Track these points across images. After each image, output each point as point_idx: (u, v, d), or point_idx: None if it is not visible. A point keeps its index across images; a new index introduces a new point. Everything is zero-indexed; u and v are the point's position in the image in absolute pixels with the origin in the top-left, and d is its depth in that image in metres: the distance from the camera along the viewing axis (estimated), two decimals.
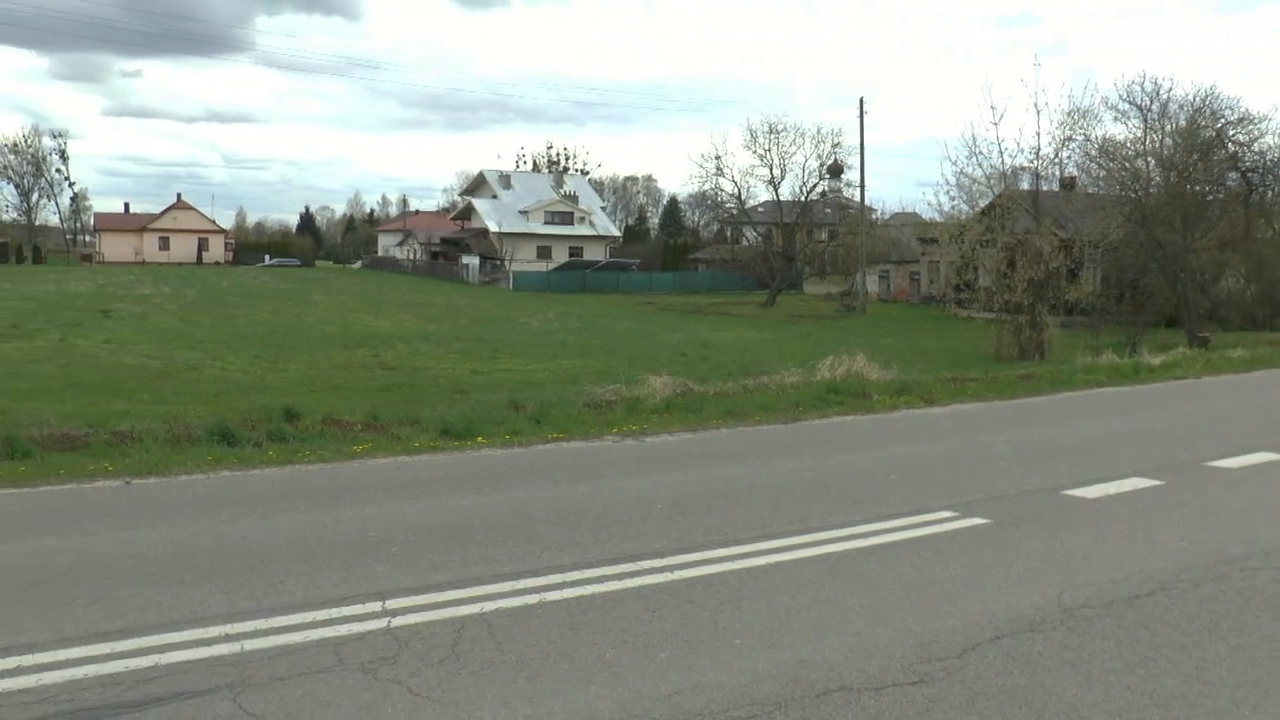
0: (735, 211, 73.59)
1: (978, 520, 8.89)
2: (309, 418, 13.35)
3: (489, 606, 6.45)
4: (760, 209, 73.90)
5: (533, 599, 6.62)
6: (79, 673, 5.40)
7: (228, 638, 5.90)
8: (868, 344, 26.32)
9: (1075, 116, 35.27)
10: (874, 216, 72.58)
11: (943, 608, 6.60)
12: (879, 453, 12.48)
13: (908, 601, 6.72)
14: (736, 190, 70.61)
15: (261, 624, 6.12)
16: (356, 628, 6.07)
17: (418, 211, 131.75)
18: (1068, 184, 38.76)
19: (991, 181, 34.86)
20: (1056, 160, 36.00)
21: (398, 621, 6.17)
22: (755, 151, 68.32)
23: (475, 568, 7.29)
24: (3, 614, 6.29)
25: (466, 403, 16.38)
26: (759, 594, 6.84)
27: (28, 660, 5.55)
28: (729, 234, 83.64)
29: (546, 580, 7.01)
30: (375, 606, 6.43)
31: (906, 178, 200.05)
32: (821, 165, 69.30)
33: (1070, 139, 35.63)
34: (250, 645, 5.78)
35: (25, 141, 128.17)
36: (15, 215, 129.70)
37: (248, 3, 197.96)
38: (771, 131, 67.89)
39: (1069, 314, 35.71)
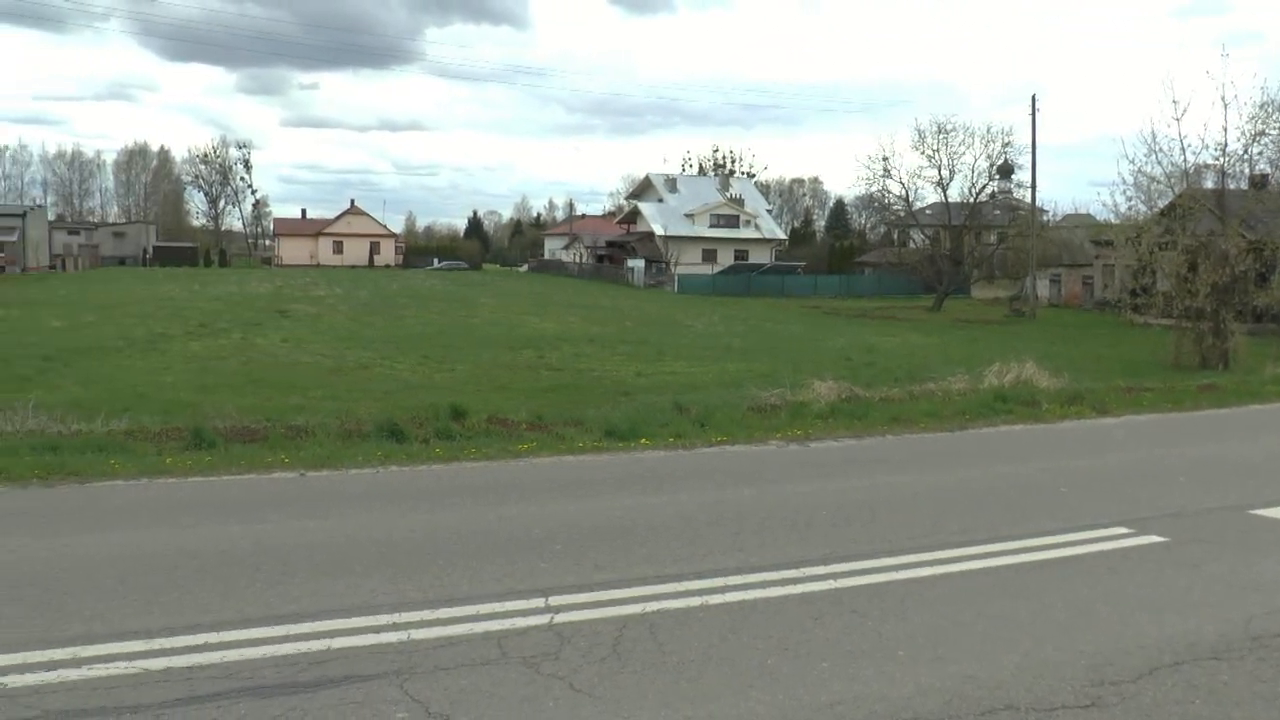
0: (902, 213, 72.15)
1: (1155, 538, 8.49)
2: (475, 416, 13.63)
3: (651, 607, 6.46)
4: (928, 211, 72.33)
5: (695, 601, 6.60)
6: (257, 652, 5.63)
7: (395, 626, 6.05)
8: (1037, 350, 25.53)
9: (1269, 109, 33.36)
10: (1045, 218, 70.26)
11: (1117, 629, 6.31)
12: (1048, 464, 12.07)
13: (1079, 620, 6.45)
14: (904, 192, 69.20)
15: (428, 614, 6.26)
16: (520, 622, 6.15)
17: (584, 215, 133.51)
18: (1258, 182, 36.59)
19: (1172, 180, 33.24)
20: (1246, 157, 34.10)
21: (560, 618, 6.23)
22: (923, 152, 66.79)
23: (638, 568, 7.31)
24: (192, 594, 6.62)
25: (631, 404, 16.47)
26: (923, 605, 6.68)
27: (213, 638, 5.82)
28: (895, 236, 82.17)
29: (709, 583, 6.98)
30: (538, 602, 6.51)
31: (1080, 177, 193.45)
32: (991, 165, 67.28)
33: (1263, 133, 33.70)
34: (417, 635, 5.92)
35: (214, 152, 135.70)
36: (204, 221, 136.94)
37: (418, 15, 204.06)
38: (940, 131, 66.33)
39: (1257, 321, 33.88)
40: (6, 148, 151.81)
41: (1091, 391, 18.04)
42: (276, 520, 8.60)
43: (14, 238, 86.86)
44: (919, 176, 68.70)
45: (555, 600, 6.55)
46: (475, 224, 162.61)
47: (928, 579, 7.25)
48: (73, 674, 5.35)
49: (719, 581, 7.02)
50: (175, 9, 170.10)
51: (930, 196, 70.64)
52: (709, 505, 9.38)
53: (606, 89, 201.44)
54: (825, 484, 10.59)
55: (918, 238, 73.97)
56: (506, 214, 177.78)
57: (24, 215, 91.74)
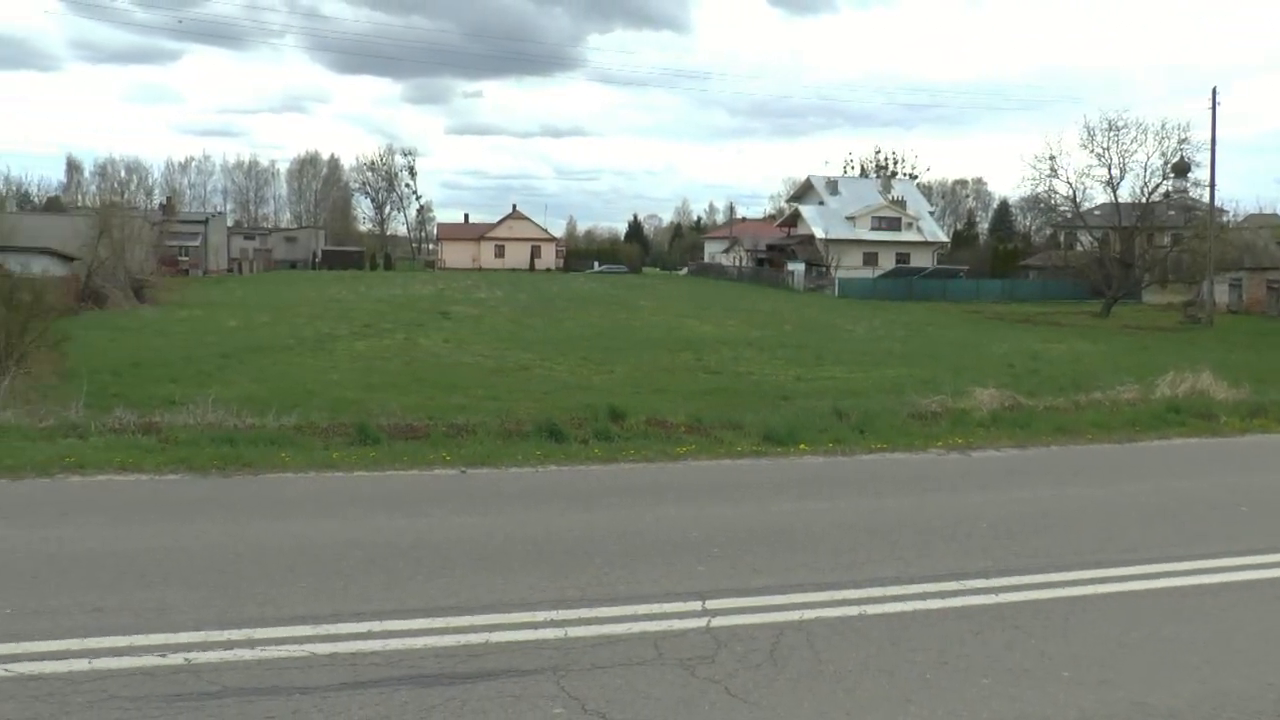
0: (1069, 215, 69.75)
1: None
2: (633, 418, 13.70)
3: (808, 614, 6.38)
4: (1096, 212, 69.75)
5: (852, 610, 6.50)
6: (418, 642, 5.77)
7: (553, 623, 6.12)
8: (1214, 359, 24.41)
9: None
10: (1225, 218, 67.13)
11: None
12: (1227, 480, 11.49)
13: (1265, 649, 6.10)
14: (1071, 192, 66.87)
15: (585, 613, 6.32)
16: (676, 624, 6.15)
17: (744, 218, 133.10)
18: None
19: None
20: None
21: (717, 622, 6.21)
22: (1092, 150, 64.40)
23: (795, 574, 7.24)
24: (357, 583, 6.82)
25: (789, 409, 16.35)
26: (1089, 625, 6.43)
27: (376, 626, 5.99)
28: (1062, 239, 79.56)
29: (867, 593, 6.87)
30: (695, 605, 6.50)
31: (1265, 175, 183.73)
32: (1166, 163, 64.39)
33: None
34: (574, 632, 5.98)
35: (381, 160, 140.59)
36: (371, 226, 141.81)
37: (581, 23, 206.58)
38: (1111, 128, 63.88)
39: None
40: (192, 159, 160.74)
41: (1276, 404, 17.12)
42: (438, 515, 8.80)
43: (197, 242, 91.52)
44: (1088, 176, 66.34)
45: (712, 604, 6.54)
46: (635, 228, 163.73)
47: (1094, 597, 6.98)
48: (247, 654, 5.59)
49: (877, 591, 6.90)
50: (346, 24, 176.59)
51: (1099, 197, 68.18)
52: (867, 513, 9.24)
53: (768, 91, 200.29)
54: (986, 495, 10.31)
55: (1085, 240, 71.37)
56: (667, 217, 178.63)
57: (206, 222, 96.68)
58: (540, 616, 6.23)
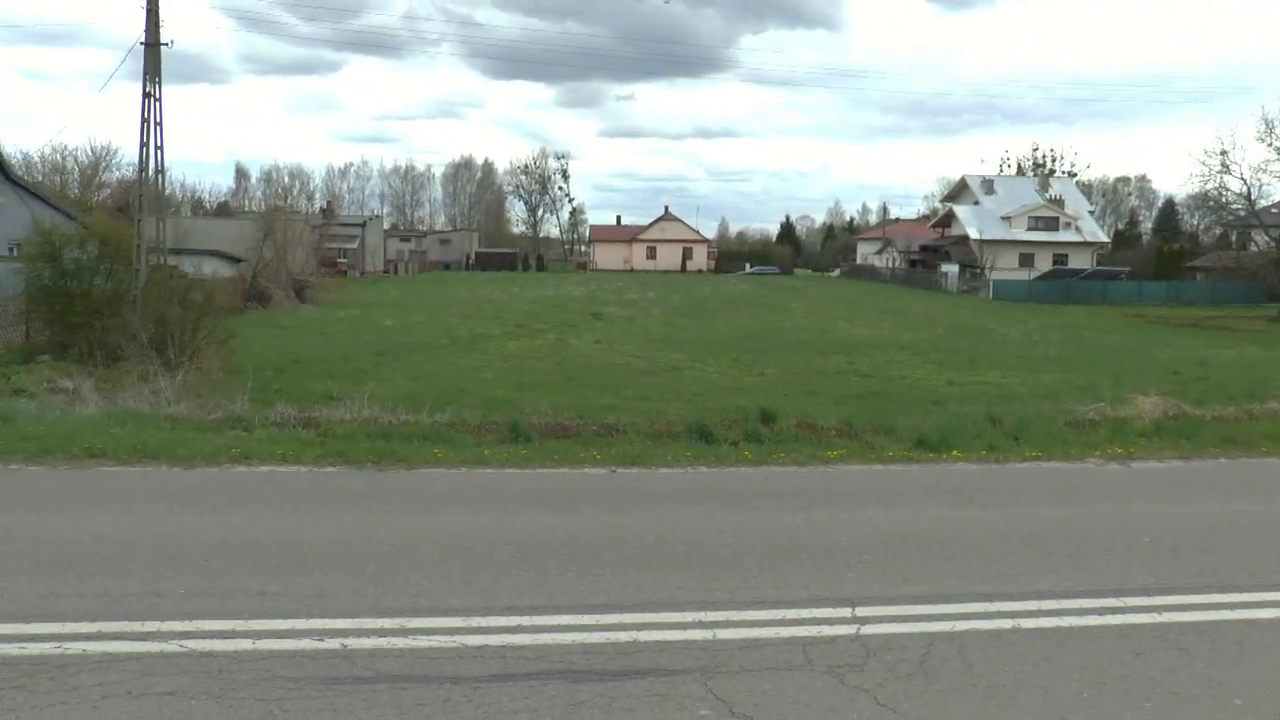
0: (1242, 213, 66.36)
1: None
2: (784, 421, 13.61)
3: (960, 625, 6.23)
4: (1274, 209, 66.20)
5: (1006, 623, 6.32)
6: (567, 638, 5.83)
7: (701, 624, 6.11)
8: None
9: None
10: None
11: None
12: None
13: None
14: (1245, 189, 63.57)
15: (733, 615, 6.29)
16: (825, 630, 6.08)
17: (897, 219, 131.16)
18: None
19: None
20: None
21: (867, 630, 6.11)
22: (1270, 144, 60.92)
23: (947, 583, 7.08)
24: (508, 577, 6.94)
25: (942, 414, 15.99)
26: (1265, 651, 6.09)
27: (526, 621, 6.09)
28: (1233, 239, 75.91)
29: (1021, 605, 6.66)
30: (845, 612, 6.41)
31: None
32: None
33: None
34: (722, 634, 5.96)
35: (534, 163, 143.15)
36: (523, 228, 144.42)
37: (734, 23, 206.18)
38: None
39: None
40: (351, 165, 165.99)
41: None
42: (588, 514, 8.88)
43: (355, 245, 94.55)
44: (1264, 171, 62.62)
45: (862, 611, 6.44)
46: (787, 229, 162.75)
47: (1270, 622, 6.62)
48: (399, 642, 5.73)
49: (1032, 604, 6.69)
50: (501, 31, 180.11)
51: (1277, 193, 64.60)
52: (1021, 522, 8.97)
53: (922, 89, 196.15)
54: (1148, 508, 9.90)
55: (1260, 240, 67.85)
56: (819, 218, 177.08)
57: (364, 225, 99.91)
58: (688, 617, 6.23)
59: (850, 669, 5.52)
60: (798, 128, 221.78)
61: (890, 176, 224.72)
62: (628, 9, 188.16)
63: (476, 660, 5.51)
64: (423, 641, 5.75)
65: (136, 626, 5.96)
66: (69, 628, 5.94)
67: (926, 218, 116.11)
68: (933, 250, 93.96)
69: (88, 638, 5.78)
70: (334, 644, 5.71)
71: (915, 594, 6.81)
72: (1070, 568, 7.57)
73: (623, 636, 5.89)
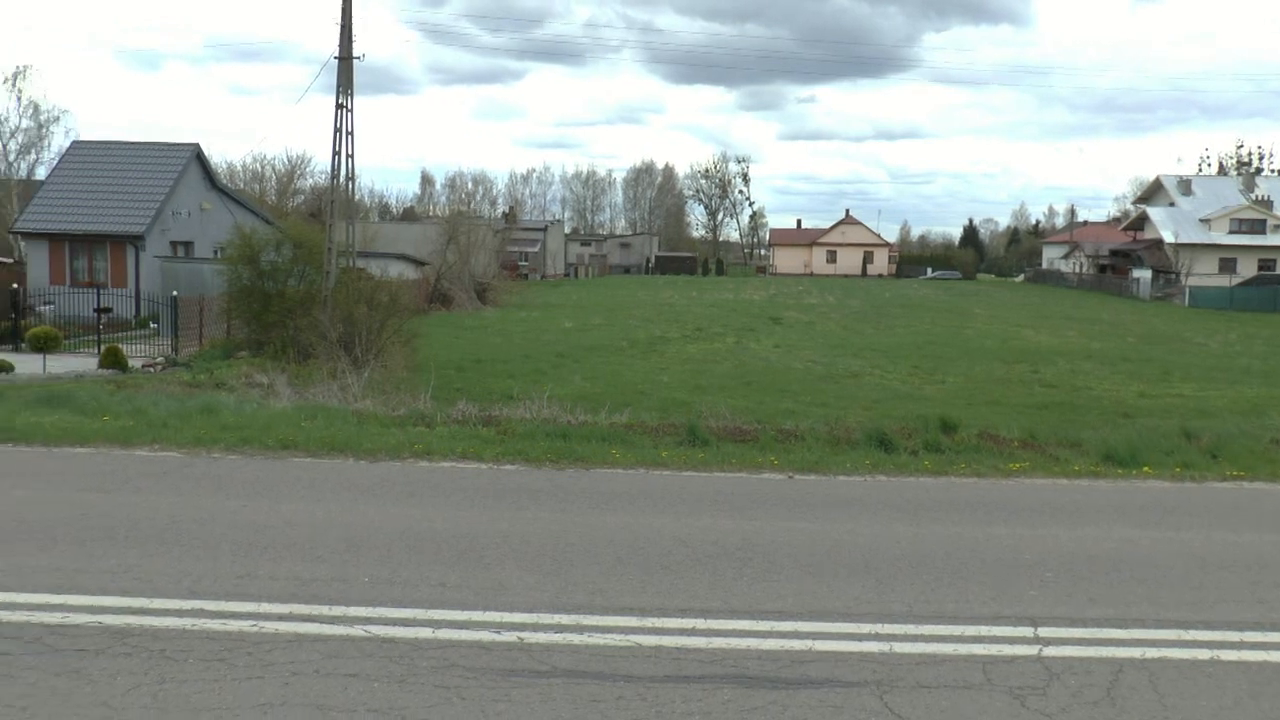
0: None
1: None
2: (965, 430, 13.29)
3: (1151, 653, 5.93)
4: None
5: (1203, 654, 5.96)
6: (742, 643, 5.80)
7: (877, 636, 5.99)
8: None
9: None
10: None
11: None
12: None
13: None
14: None
15: (910, 629, 6.15)
16: (1006, 650, 5.88)
17: (1085, 222, 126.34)
18: None
19: None
20: None
21: (1050, 651, 5.88)
22: None
23: (1137, 607, 6.75)
24: (683, 579, 6.97)
25: (1132, 428, 15.35)
26: None
27: (701, 624, 6.08)
28: None
29: (1220, 635, 6.28)
30: (1026, 631, 6.19)
31: None
32: None
33: None
34: (899, 648, 5.83)
35: (714, 167, 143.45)
36: (703, 232, 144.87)
37: (916, 22, 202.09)
38: None
39: None
40: (533, 170, 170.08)
41: None
42: (764, 519, 8.82)
43: (536, 249, 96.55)
44: None
45: (1045, 631, 6.20)
46: (970, 232, 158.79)
47: None
48: (575, 638, 5.81)
49: (1232, 635, 6.30)
50: (681, 36, 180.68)
51: None
52: (1219, 547, 8.48)
53: (1114, 85, 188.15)
54: None
55: None
56: (1003, 221, 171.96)
57: (545, 229, 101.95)
58: (865, 629, 6.12)
59: (1031, 691, 5.32)
60: (981, 127, 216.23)
61: (1078, 177, 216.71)
62: (809, 9, 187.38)
63: (651, 660, 5.53)
64: (598, 639, 5.81)
65: (324, 610, 6.20)
66: (263, 608, 6.22)
67: (1117, 220, 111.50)
68: (1123, 255, 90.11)
69: (280, 618, 6.05)
70: (511, 637, 5.82)
71: (1102, 617, 6.52)
72: (1277, 598, 7.12)
73: (797, 644, 5.82)
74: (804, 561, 7.50)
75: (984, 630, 6.16)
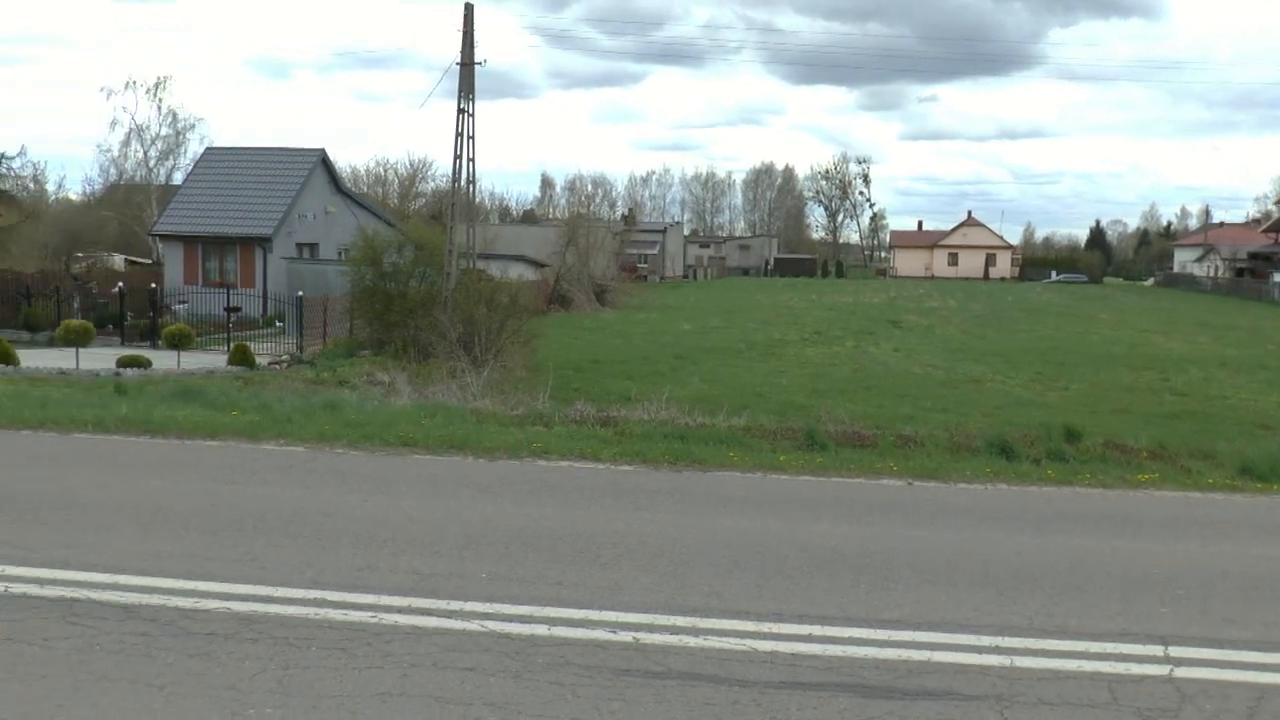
0: None
1: None
2: (1090, 439, 12.94)
3: None
4: None
5: None
6: (859, 652, 5.71)
7: (998, 649, 5.84)
8: None
9: None
10: None
11: None
12: None
13: None
14: None
15: (1032, 643, 5.98)
16: (1134, 669, 5.67)
17: (1221, 223, 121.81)
18: None
19: None
20: None
21: (1181, 672, 5.64)
22: None
23: (1278, 630, 6.46)
24: (800, 585, 6.90)
25: (1271, 440, 14.75)
26: None
27: (817, 630, 6.01)
28: None
29: None
30: (1156, 650, 5.96)
31: None
32: None
33: None
34: (1020, 662, 5.67)
35: (834, 169, 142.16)
36: (823, 234, 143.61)
37: (1042, 17, 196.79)
38: None
39: None
40: (652, 173, 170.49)
41: None
42: (883, 525, 8.70)
43: (655, 251, 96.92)
44: None
45: (1176, 651, 5.96)
46: (1097, 234, 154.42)
47: None
48: (691, 641, 5.79)
49: None
50: (802, 36, 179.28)
51: None
52: None
53: (1254, 78, 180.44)
54: None
55: None
56: (1132, 223, 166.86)
57: (664, 231, 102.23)
58: (985, 641, 5.97)
59: (1162, 714, 5.12)
60: (1110, 125, 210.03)
61: (1213, 177, 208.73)
62: (931, 7, 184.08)
63: (767, 665, 5.49)
64: (714, 642, 5.78)
65: (443, 604, 6.29)
66: (383, 600, 6.34)
67: (1256, 222, 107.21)
68: (1263, 258, 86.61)
69: (399, 610, 6.16)
70: (626, 636, 5.83)
71: (1240, 639, 6.23)
72: None
73: (916, 655, 5.71)
74: (922, 570, 7.36)
75: (1110, 647, 5.95)
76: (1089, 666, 5.65)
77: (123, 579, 6.67)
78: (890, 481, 10.53)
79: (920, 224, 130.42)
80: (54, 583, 6.58)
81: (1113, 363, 31.49)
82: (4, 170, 37.51)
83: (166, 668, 5.30)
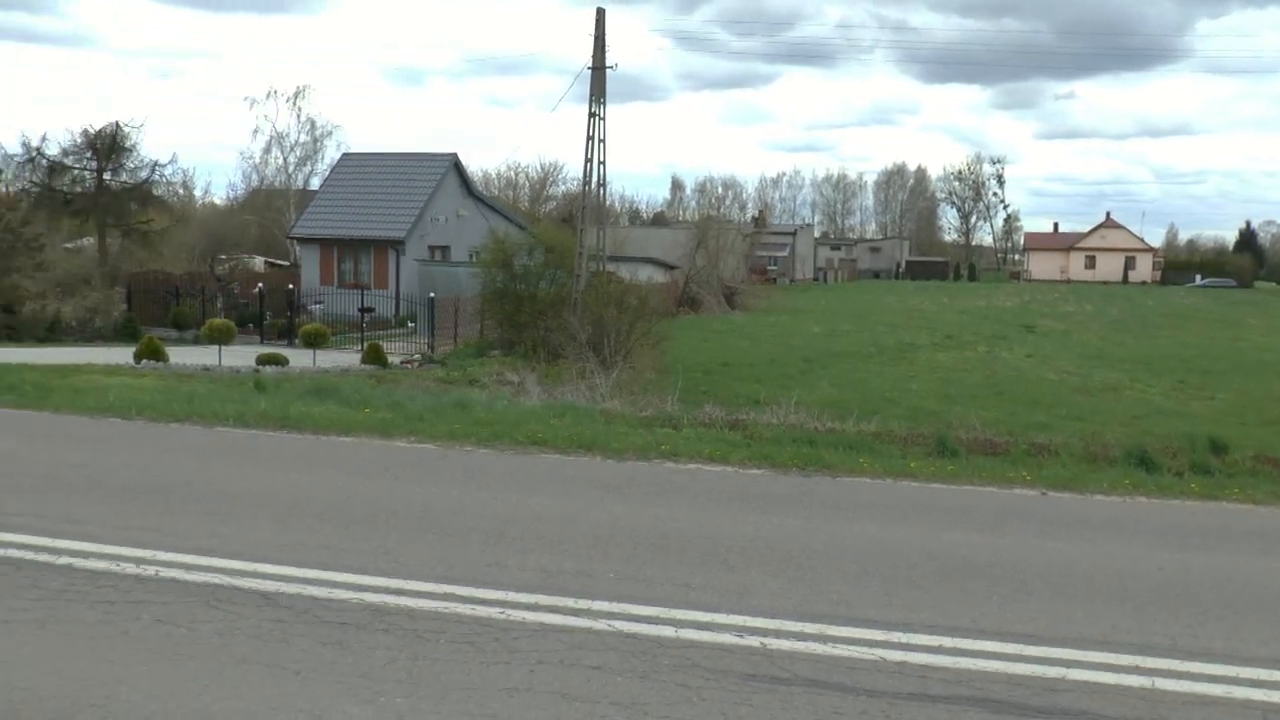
0: None
1: None
2: (1238, 452, 12.43)
3: None
4: None
5: None
6: (990, 665, 5.56)
7: (1138, 670, 5.62)
8: None
9: None
10: None
11: None
12: None
13: None
14: None
15: (1175, 664, 5.74)
16: None
17: None
18: None
19: None
20: None
21: None
22: None
23: None
24: (930, 594, 6.76)
25: None
26: None
27: (947, 642, 5.87)
28: None
29: None
30: None
31: None
32: None
33: None
34: (1161, 684, 5.45)
35: (968, 169, 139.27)
36: (955, 236, 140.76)
37: (1188, 8, 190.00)
38: None
39: None
40: (783, 174, 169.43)
41: None
42: (1016, 536, 8.47)
43: (785, 253, 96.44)
44: None
45: None
46: (1247, 236, 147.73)
47: None
48: (818, 648, 5.71)
49: None
50: (936, 34, 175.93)
51: None
52: None
53: None
54: None
55: None
56: None
57: (794, 233, 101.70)
58: (1124, 660, 5.75)
59: None
60: (1261, 120, 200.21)
61: None
62: (1069, 1, 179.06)
63: (895, 676, 5.38)
64: (841, 650, 5.70)
65: (570, 603, 6.33)
66: (511, 596, 6.42)
67: None
68: None
69: (527, 607, 6.22)
70: (753, 641, 5.79)
71: None
72: None
73: (1050, 671, 5.53)
74: (1057, 583, 7.14)
75: (1263, 674, 5.67)
76: (1239, 693, 5.40)
77: (262, 567, 6.89)
78: (1023, 491, 10.26)
79: (1056, 226, 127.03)
80: (199, 569, 6.85)
81: (1264, 371, 30.24)
82: (157, 177, 39.43)
83: (301, 654, 5.45)
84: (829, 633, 5.95)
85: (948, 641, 5.88)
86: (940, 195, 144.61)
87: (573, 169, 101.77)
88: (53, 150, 37.98)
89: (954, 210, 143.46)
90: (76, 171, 38.39)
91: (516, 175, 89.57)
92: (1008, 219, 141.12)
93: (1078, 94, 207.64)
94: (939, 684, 5.31)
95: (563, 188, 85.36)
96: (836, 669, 5.45)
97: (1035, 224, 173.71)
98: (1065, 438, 13.30)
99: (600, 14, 27.53)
